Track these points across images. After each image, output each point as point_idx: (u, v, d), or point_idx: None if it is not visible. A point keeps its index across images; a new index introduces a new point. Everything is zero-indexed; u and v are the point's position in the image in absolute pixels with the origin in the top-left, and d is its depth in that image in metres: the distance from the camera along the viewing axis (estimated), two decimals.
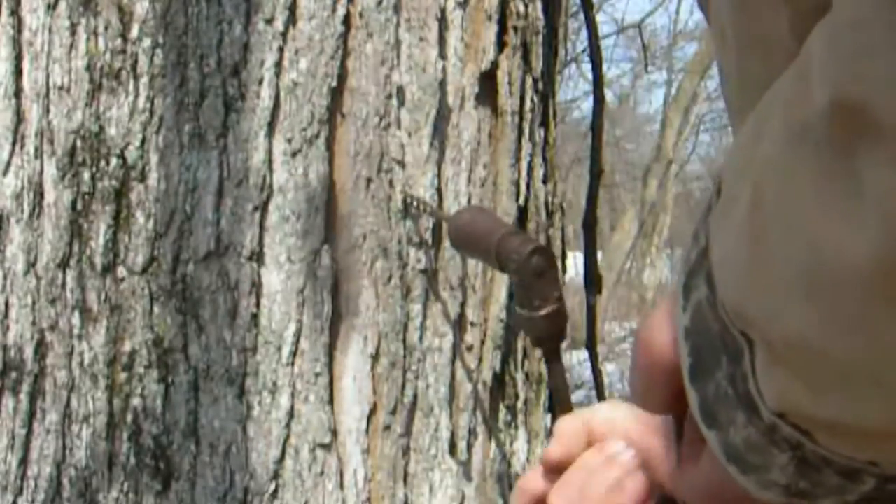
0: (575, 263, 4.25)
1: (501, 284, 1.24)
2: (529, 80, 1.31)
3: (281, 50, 1.11)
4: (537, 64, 1.33)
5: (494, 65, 1.23)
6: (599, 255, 2.02)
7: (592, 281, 1.55)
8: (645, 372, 0.45)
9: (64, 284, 1.15)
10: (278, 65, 1.11)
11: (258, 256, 1.10)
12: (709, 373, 0.40)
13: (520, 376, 1.29)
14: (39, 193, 1.17)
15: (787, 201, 0.33)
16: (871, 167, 0.29)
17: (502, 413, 1.26)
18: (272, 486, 1.10)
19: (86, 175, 1.14)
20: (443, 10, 1.19)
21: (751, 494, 0.42)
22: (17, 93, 1.19)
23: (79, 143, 1.14)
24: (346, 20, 1.13)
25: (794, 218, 0.32)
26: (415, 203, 1.13)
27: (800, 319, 0.33)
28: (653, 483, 0.55)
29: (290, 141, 1.11)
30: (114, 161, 1.13)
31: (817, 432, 0.36)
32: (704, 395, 0.40)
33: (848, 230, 0.30)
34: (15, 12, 1.20)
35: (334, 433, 1.12)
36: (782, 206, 0.33)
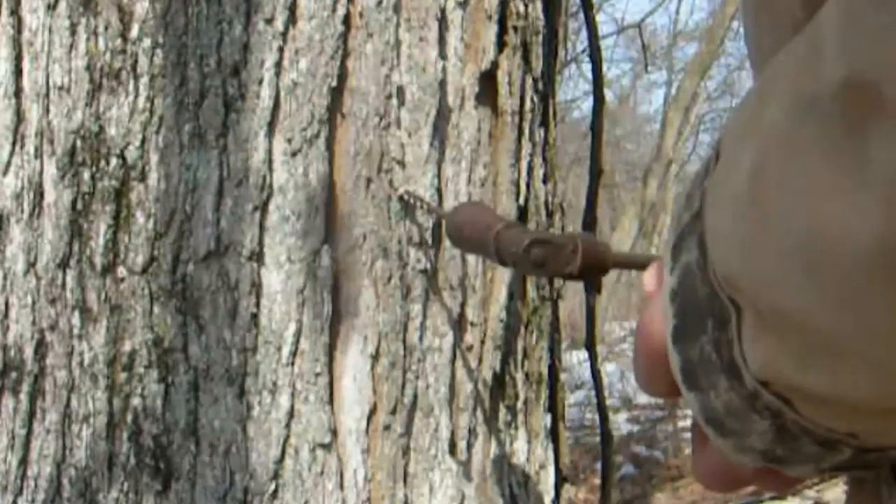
0: None
1: (501, 284, 1.24)
2: (529, 80, 1.31)
3: (281, 50, 1.11)
4: (537, 64, 1.33)
5: (494, 65, 1.23)
6: None
7: (592, 281, 1.55)
8: (646, 356, 0.45)
9: (64, 284, 1.15)
10: (278, 65, 1.11)
11: (258, 256, 1.10)
12: (693, 336, 0.40)
13: (520, 376, 1.29)
14: (39, 193, 1.17)
15: (790, 172, 0.32)
16: (880, 147, 0.29)
17: (502, 413, 1.26)
18: (272, 486, 1.10)
19: (86, 175, 1.14)
20: (443, 10, 1.19)
21: (758, 474, 0.43)
22: (17, 93, 1.19)
23: (79, 143, 1.14)
24: (346, 20, 1.13)
25: (797, 190, 0.32)
26: (412, 200, 1.13)
27: (793, 291, 0.33)
28: None
29: (290, 141, 1.11)
30: (114, 161, 1.13)
31: (799, 402, 0.36)
32: (687, 357, 0.40)
33: (852, 207, 0.30)
34: (15, 12, 1.20)
35: (334, 433, 1.12)
36: (785, 176, 0.33)
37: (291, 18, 1.12)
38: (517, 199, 1.27)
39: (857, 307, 0.31)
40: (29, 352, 1.17)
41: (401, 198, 1.14)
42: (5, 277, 1.19)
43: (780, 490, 0.46)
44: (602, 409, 1.78)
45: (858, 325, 0.31)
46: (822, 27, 0.32)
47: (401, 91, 1.16)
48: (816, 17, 0.32)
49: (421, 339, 1.16)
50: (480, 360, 1.22)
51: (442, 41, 1.19)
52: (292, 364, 1.11)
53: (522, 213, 1.29)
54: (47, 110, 1.17)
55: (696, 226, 0.39)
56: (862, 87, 0.29)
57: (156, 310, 1.11)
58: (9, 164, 1.20)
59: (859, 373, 0.33)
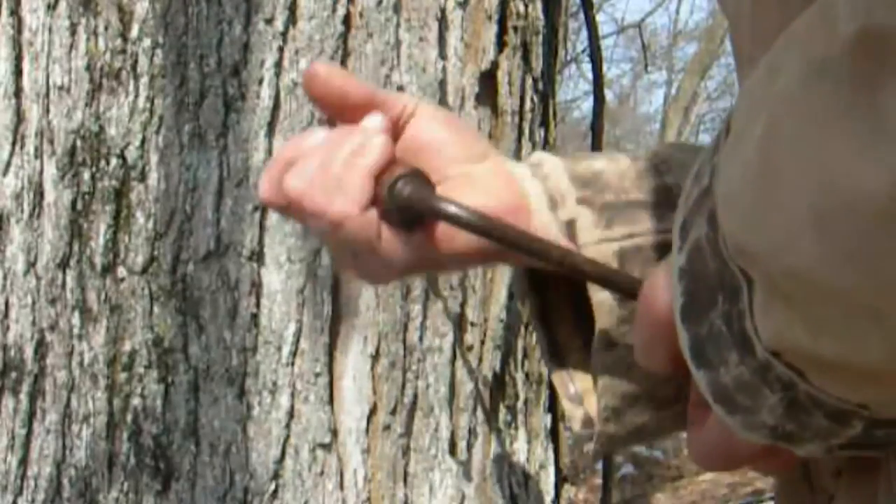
0: None
1: (501, 284, 1.24)
2: (529, 80, 1.31)
3: (281, 50, 1.11)
4: (537, 64, 1.33)
5: (494, 65, 1.23)
6: None
7: None
8: (647, 330, 0.45)
9: (64, 284, 1.15)
10: (278, 65, 1.11)
11: (258, 256, 1.10)
12: (702, 312, 0.39)
13: (520, 376, 1.29)
14: (39, 193, 1.17)
15: (801, 134, 0.32)
16: (893, 98, 0.29)
17: (502, 413, 1.26)
18: (272, 486, 1.10)
19: (86, 175, 1.14)
20: (443, 10, 1.19)
21: (758, 455, 0.42)
22: (17, 93, 1.19)
23: (79, 143, 1.14)
24: (346, 20, 1.13)
25: (808, 150, 0.32)
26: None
27: (807, 251, 0.32)
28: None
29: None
30: (114, 161, 1.13)
31: (811, 371, 0.36)
32: (697, 333, 0.40)
33: (866, 160, 0.29)
34: (15, 12, 1.20)
35: (334, 433, 1.12)
36: (797, 138, 0.32)
37: (291, 18, 1.12)
38: None
39: (872, 261, 0.31)
40: (29, 352, 1.17)
41: None
42: (5, 277, 1.19)
43: (779, 471, 0.45)
44: None
45: (872, 280, 0.31)
46: None
47: (401, 91, 1.16)
48: None
49: (421, 339, 1.16)
50: (480, 360, 1.22)
51: (442, 41, 1.19)
52: (292, 364, 1.11)
53: None
54: (47, 110, 1.17)
55: (705, 201, 0.39)
56: (876, 37, 0.29)
57: (156, 310, 1.11)
58: (9, 164, 1.20)
59: (871, 333, 0.33)
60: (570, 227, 0.56)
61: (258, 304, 1.10)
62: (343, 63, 1.13)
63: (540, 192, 0.56)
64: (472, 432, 1.20)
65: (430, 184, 0.54)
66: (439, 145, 0.56)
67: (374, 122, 0.55)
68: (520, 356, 1.30)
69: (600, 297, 0.53)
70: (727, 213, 0.37)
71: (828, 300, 0.33)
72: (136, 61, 1.13)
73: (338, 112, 0.56)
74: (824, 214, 0.31)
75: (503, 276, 1.24)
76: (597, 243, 0.55)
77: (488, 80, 1.23)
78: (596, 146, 1.69)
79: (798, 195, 0.32)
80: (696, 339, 0.40)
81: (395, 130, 0.56)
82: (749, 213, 0.35)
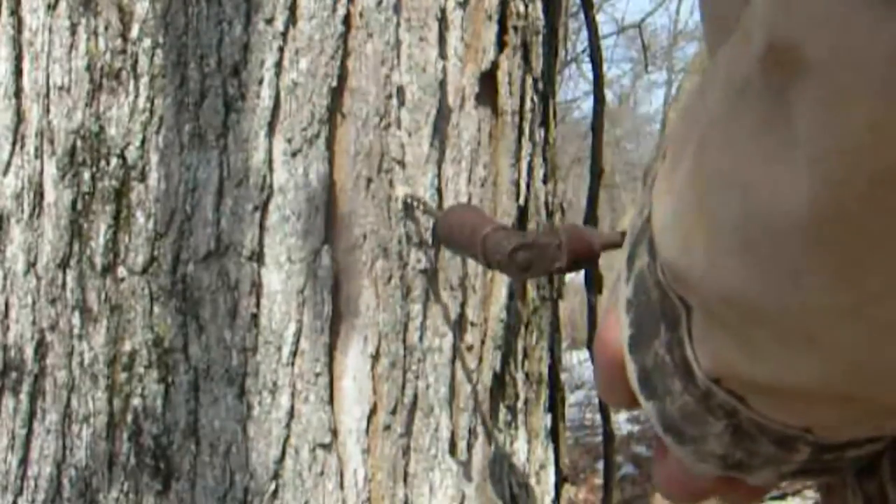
0: None
1: (502, 284, 1.24)
2: (529, 80, 1.31)
3: (281, 50, 1.11)
4: (537, 64, 1.33)
5: (494, 65, 1.23)
6: None
7: (593, 281, 1.55)
8: (605, 368, 0.45)
9: (64, 284, 1.15)
10: (278, 65, 1.11)
11: (258, 256, 1.10)
12: (647, 342, 0.39)
13: (520, 376, 1.29)
14: (39, 193, 1.17)
15: (725, 155, 0.32)
16: (801, 109, 0.28)
17: (502, 413, 1.26)
18: (272, 486, 1.10)
19: (86, 175, 1.14)
20: (443, 10, 1.19)
21: (717, 486, 0.42)
22: (17, 93, 1.19)
23: (79, 143, 1.14)
24: (346, 20, 1.13)
25: (731, 170, 0.32)
26: (410, 201, 1.13)
27: (735, 273, 0.32)
28: None
29: (290, 141, 1.11)
30: (114, 161, 1.13)
31: (751, 397, 0.36)
32: (643, 364, 0.40)
33: (783, 177, 0.29)
34: (15, 12, 1.20)
35: (334, 433, 1.12)
36: (721, 160, 0.32)
37: (291, 18, 1.12)
38: (517, 199, 1.27)
39: (795, 281, 0.30)
40: (29, 352, 1.17)
41: (404, 202, 1.14)
42: (5, 277, 1.19)
43: (746, 502, 0.45)
44: (604, 409, 1.78)
45: (797, 301, 0.31)
46: (754, 7, 0.31)
47: (401, 91, 1.16)
48: (748, 6, 0.32)
49: (421, 339, 1.16)
50: (480, 360, 1.22)
51: (442, 41, 1.19)
52: (292, 364, 1.11)
53: (522, 213, 1.29)
54: (47, 110, 1.17)
55: (647, 230, 0.39)
56: (782, 48, 0.29)
57: (156, 310, 1.11)
58: (9, 164, 1.20)
59: (804, 356, 0.32)
60: None
61: (258, 304, 1.10)
62: (343, 63, 1.13)
63: None
64: (472, 432, 1.20)
65: None
66: None
67: None
68: (520, 356, 1.30)
69: None
70: (662, 242, 0.37)
71: (759, 323, 0.33)
72: (136, 61, 1.13)
73: None
74: (749, 235, 0.31)
75: (503, 276, 1.24)
76: None
77: (488, 80, 1.23)
78: (596, 146, 1.69)
79: (724, 218, 0.32)
80: (642, 369, 0.40)
81: None
82: (681, 239, 0.35)
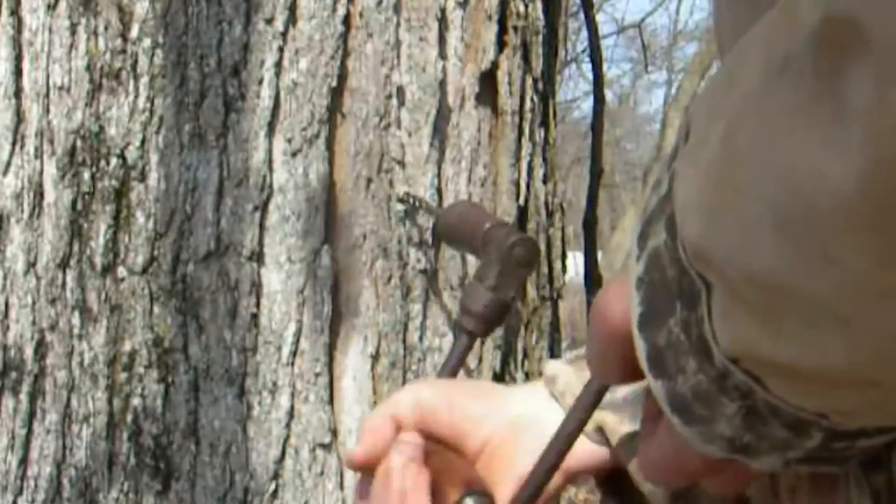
0: (575, 263, 4.24)
1: None
2: (529, 80, 1.31)
3: (281, 50, 1.11)
4: (537, 64, 1.33)
5: (494, 65, 1.23)
6: (599, 255, 2.03)
7: (592, 281, 1.55)
8: (602, 342, 0.44)
9: (64, 284, 1.15)
10: (278, 65, 1.11)
11: (258, 256, 1.10)
12: (660, 320, 0.39)
13: (520, 376, 1.29)
14: (39, 193, 1.17)
15: (762, 132, 0.31)
16: (857, 87, 0.27)
17: None
18: (272, 486, 1.10)
19: (86, 175, 1.14)
20: (443, 10, 1.19)
21: (709, 469, 0.42)
22: (17, 93, 1.19)
23: (79, 143, 1.14)
24: (346, 20, 1.13)
25: (769, 147, 0.31)
26: (409, 199, 1.13)
27: (768, 253, 0.31)
28: (454, 465, 0.58)
29: (290, 141, 1.11)
30: (114, 161, 1.13)
31: (770, 378, 0.36)
32: (654, 342, 0.39)
33: (830, 156, 0.28)
34: (15, 12, 1.20)
35: (334, 433, 1.12)
36: (757, 137, 0.31)
37: (291, 18, 1.12)
38: (517, 199, 1.27)
39: (836, 262, 0.30)
40: (29, 352, 1.17)
41: (400, 199, 1.14)
42: (5, 277, 1.19)
43: (730, 489, 0.45)
44: None
45: (832, 282, 0.30)
46: None
47: (401, 91, 1.16)
48: None
49: (421, 339, 1.16)
50: (480, 360, 1.22)
51: (442, 41, 1.19)
52: (292, 364, 1.11)
53: (522, 213, 1.29)
54: (47, 110, 1.17)
55: (664, 208, 0.38)
56: (840, 23, 0.28)
57: (156, 310, 1.11)
58: (9, 164, 1.20)
59: (833, 339, 0.32)
60: (600, 433, 0.60)
61: (258, 304, 1.10)
62: (343, 63, 1.13)
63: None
64: None
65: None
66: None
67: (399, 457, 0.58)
68: (520, 356, 1.30)
69: (649, 488, 0.55)
70: (685, 219, 0.36)
71: (789, 304, 0.32)
72: (136, 61, 1.13)
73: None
74: (786, 214, 0.30)
75: None
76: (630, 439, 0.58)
77: (488, 80, 1.23)
78: (596, 146, 1.69)
79: (758, 196, 0.31)
80: (653, 348, 0.39)
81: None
82: (708, 216, 0.35)
